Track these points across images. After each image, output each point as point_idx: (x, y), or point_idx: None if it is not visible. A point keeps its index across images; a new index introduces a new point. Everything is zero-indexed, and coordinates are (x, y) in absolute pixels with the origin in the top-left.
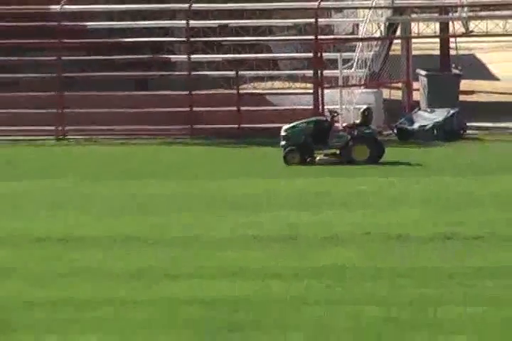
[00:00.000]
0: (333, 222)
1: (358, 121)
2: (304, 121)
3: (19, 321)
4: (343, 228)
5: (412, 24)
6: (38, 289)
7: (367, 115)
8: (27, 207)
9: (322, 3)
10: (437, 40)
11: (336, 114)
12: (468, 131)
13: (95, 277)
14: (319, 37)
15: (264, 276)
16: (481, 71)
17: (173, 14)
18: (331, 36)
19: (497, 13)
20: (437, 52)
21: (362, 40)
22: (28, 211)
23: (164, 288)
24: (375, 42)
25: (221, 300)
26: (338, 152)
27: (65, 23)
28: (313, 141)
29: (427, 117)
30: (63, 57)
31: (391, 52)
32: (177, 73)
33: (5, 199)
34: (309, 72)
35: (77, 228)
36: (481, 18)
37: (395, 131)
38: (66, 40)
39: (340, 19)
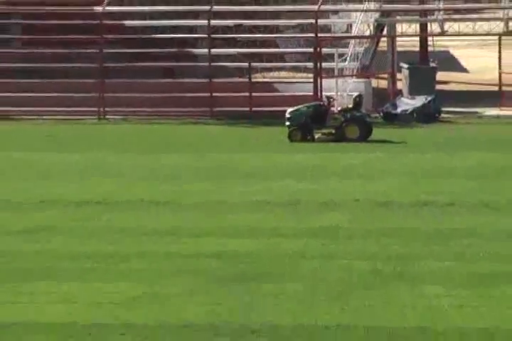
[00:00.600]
0: (329, 190)
1: (350, 106)
2: (305, 105)
3: (63, 270)
4: (337, 195)
5: (397, 25)
6: (78, 244)
7: (358, 101)
8: (70, 175)
9: (321, 6)
10: (418, 38)
11: (332, 100)
12: (443, 115)
13: (128, 234)
14: (319, 35)
15: (269, 235)
16: (453, 65)
17: (196, 15)
18: (329, 34)
19: (468, 16)
20: (417, 49)
21: (354, 37)
22: (70, 178)
23: (186, 244)
24: (366, 40)
25: (232, 255)
26: (333, 131)
27: (107, 22)
28: (313, 121)
29: (408, 103)
30: (104, 50)
31: (379, 48)
32: (199, 64)
33: (51, 168)
34: (310, 64)
35: (111, 193)
36: (454, 20)
37: (382, 114)
38: (107, 36)
39: (336, 20)
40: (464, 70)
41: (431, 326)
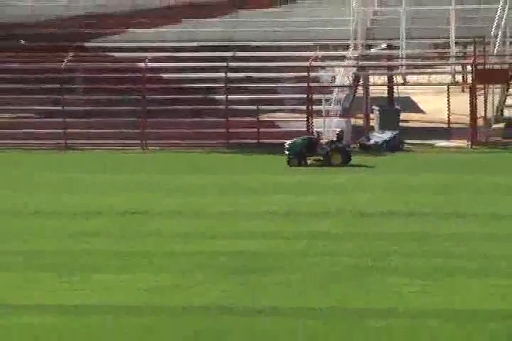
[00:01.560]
0: (321, 202)
1: (334, 139)
2: (300, 138)
3: (110, 265)
4: (328, 207)
5: (370, 77)
6: (122, 245)
7: (340, 135)
8: (117, 191)
9: (312, 63)
10: (386, 87)
11: (320, 134)
12: (405, 146)
13: (158, 237)
14: (310, 84)
15: (273, 238)
16: (413, 107)
17: (216, 69)
18: (318, 84)
19: (424, 70)
20: (386, 95)
21: (337, 86)
22: (117, 193)
23: (203, 244)
24: (346, 88)
25: (240, 253)
26: (321, 158)
27: (148, 75)
28: (306, 151)
29: (379, 136)
30: (146, 96)
31: (356, 95)
32: (219, 107)
33: (102, 186)
34: (303, 107)
35: (148, 205)
36: (414, 73)
37: (358, 145)
38: (148, 86)
39: (323, 73)
40: (421, 111)
41: (395, 307)
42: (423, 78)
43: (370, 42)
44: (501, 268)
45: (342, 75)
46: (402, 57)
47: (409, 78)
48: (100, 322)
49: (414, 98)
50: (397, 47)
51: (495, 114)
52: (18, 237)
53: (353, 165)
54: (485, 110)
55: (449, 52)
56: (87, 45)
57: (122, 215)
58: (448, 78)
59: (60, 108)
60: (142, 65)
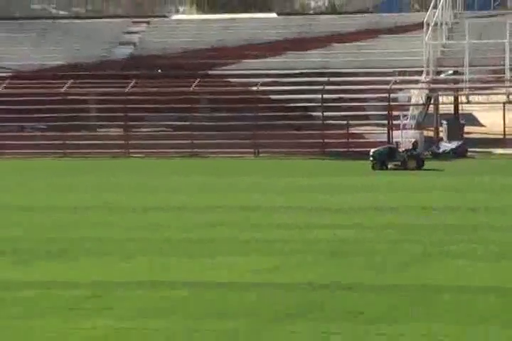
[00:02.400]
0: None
1: (410, 147)
2: (382, 146)
3: (229, 249)
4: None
5: (439, 97)
6: (237, 233)
7: (415, 144)
8: (233, 190)
9: (392, 86)
10: (452, 105)
11: (398, 144)
12: (468, 153)
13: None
14: (390, 103)
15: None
16: (475, 122)
17: (314, 91)
18: (396, 103)
19: (483, 91)
20: (452, 112)
21: (413, 105)
22: (234, 191)
23: (302, 234)
24: (420, 106)
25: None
26: (399, 163)
27: (259, 96)
28: (387, 157)
29: (447, 145)
30: (258, 114)
31: (428, 112)
32: (316, 122)
33: (221, 186)
34: (385, 122)
35: (255, 202)
36: (475, 94)
37: (430, 152)
38: (259, 105)
39: (401, 94)
40: (482, 125)
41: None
42: (483, 98)
43: (440, 69)
44: None
45: (416, 96)
46: (466, 81)
47: (472, 98)
48: (220, 295)
49: (476, 114)
50: (461, 73)
51: None
52: (163, 228)
53: (425, 170)
54: None
55: (504, 77)
56: (210, 72)
57: (239, 210)
58: (503, 98)
59: (187, 123)
60: (254, 88)
